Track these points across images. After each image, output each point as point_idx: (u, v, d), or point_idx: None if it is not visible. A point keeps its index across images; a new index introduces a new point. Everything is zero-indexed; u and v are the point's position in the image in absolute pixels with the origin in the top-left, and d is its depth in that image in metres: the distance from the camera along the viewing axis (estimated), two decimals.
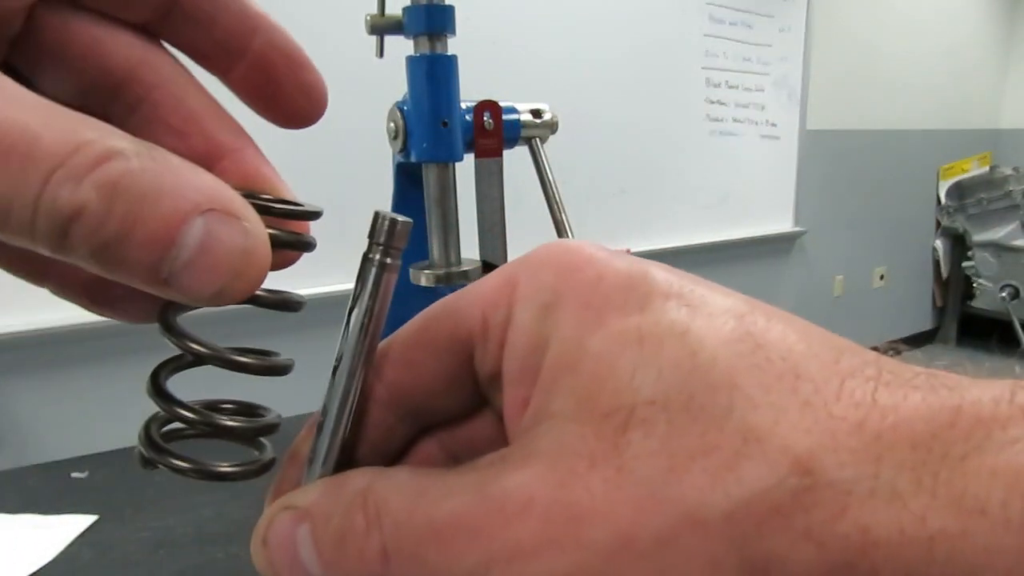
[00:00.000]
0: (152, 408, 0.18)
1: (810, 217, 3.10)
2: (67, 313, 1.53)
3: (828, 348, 0.15)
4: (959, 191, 3.66)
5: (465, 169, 0.64)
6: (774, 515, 0.13)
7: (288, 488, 0.18)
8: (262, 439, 0.20)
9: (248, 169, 0.18)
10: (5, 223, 0.13)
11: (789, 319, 0.16)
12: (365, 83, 1.07)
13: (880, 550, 0.13)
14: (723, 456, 0.14)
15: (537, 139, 0.71)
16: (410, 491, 0.16)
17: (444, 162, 0.61)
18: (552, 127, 0.72)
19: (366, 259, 0.17)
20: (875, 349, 0.16)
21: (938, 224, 3.83)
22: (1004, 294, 3.54)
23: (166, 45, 0.18)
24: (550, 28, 2.16)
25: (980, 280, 3.65)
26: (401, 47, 0.61)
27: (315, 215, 0.19)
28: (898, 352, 3.45)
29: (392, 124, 0.63)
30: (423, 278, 0.62)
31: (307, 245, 0.18)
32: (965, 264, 3.72)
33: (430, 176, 0.62)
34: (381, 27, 0.61)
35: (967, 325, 3.86)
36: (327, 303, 0.92)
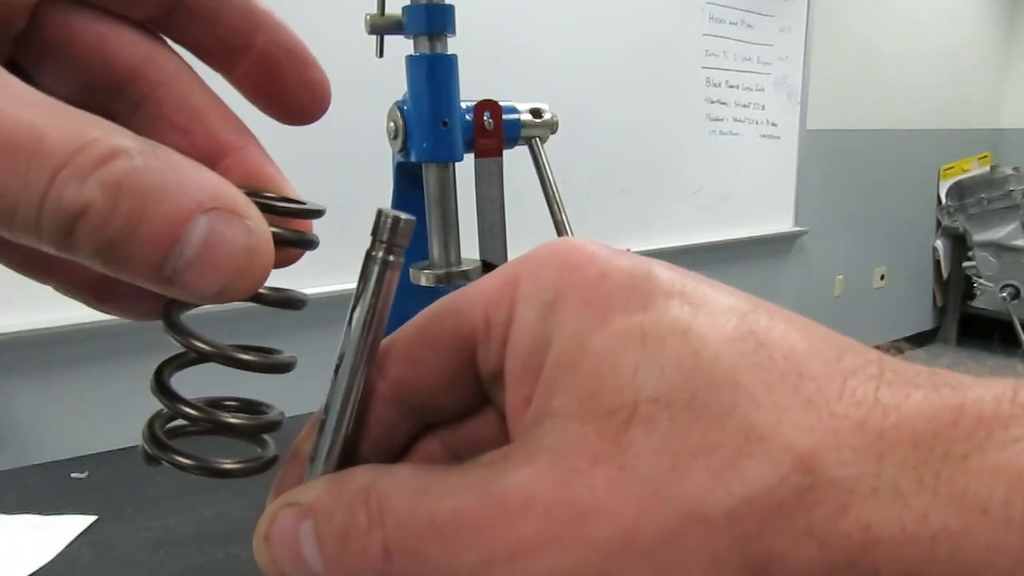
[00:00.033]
0: (155, 406, 0.18)
1: (810, 217, 3.10)
2: (67, 313, 1.53)
3: (830, 347, 0.15)
4: (959, 191, 3.66)
5: (465, 169, 0.64)
6: (776, 513, 0.13)
7: (290, 486, 0.18)
8: (265, 436, 0.20)
9: (251, 167, 0.18)
10: (11, 221, 0.13)
11: (792, 318, 0.16)
12: (365, 83, 1.07)
13: (882, 548, 0.13)
14: (725, 454, 0.14)
15: (537, 139, 0.71)
16: (412, 488, 0.16)
17: (444, 162, 0.61)
18: (552, 127, 0.71)
19: (369, 256, 0.17)
20: (877, 348, 0.16)
21: (938, 224, 3.83)
22: (1004, 294, 3.54)
23: (170, 42, 0.18)
24: (550, 28, 2.16)
25: (980, 280, 3.65)
26: (401, 47, 0.61)
27: (318, 213, 0.19)
28: (901, 351, 3.45)
29: (392, 124, 0.63)
30: (423, 278, 0.62)
31: (310, 243, 0.18)
32: (965, 264, 3.72)
33: (430, 176, 0.62)
34: (381, 27, 0.61)
35: (967, 325, 3.86)
36: (327, 303, 0.92)
